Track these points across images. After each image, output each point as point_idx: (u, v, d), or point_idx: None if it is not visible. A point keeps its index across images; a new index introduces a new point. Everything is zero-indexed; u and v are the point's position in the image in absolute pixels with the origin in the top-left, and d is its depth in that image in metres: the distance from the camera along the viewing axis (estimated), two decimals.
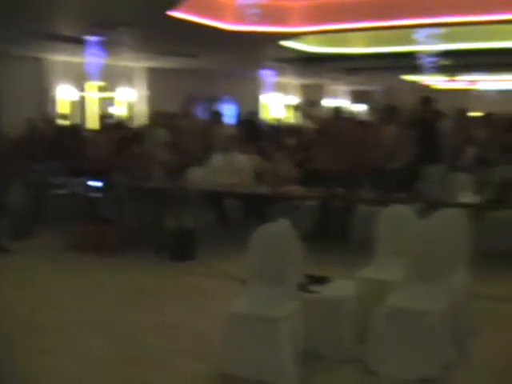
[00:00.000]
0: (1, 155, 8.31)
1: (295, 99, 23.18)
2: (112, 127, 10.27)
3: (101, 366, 4.47)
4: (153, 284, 6.58)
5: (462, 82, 21.64)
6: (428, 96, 9.22)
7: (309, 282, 4.64)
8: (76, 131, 10.78)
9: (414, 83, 22.32)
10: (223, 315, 4.29)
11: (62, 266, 7.35)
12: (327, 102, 23.28)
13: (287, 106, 22.56)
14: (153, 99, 17.44)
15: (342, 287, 4.69)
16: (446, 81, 20.33)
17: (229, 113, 17.76)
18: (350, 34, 13.63)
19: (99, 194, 8.32)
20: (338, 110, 9.12)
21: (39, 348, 4.80)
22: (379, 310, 4.25)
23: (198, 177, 8.66)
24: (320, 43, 14.65)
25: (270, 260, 4.42)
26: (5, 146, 8.71)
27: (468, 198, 7.12)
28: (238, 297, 4.48)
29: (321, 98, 23.62)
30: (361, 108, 23.99)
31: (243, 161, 8.76)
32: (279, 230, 4.44)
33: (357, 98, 26.34)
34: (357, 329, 4.51)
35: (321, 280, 4.74)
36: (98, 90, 15.28)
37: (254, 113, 16.98)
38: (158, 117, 10.52)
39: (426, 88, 22.66)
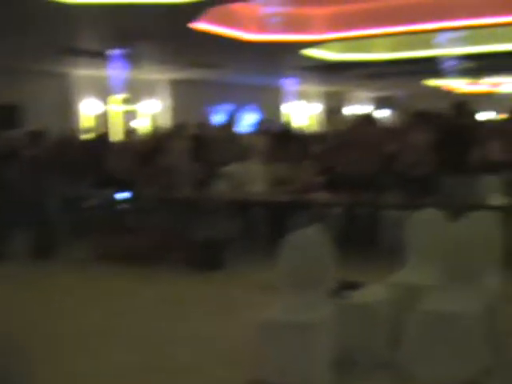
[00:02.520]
0: (39, 168, 8.47)
1: (318, 107, 23.22)
2: (138, 139, 10.40)
3: (130, 376, 4.52)
4: (182, 294, 6.64)
5: (485, 84, 21.51)
6: (464, 100, 9.15)
7: (341, 287, 4.66)
8: (103, 143, 10.91)
9: (436, 88, 22.27)
10: (255, 323, 4.32)
11: (90, 276, 7.47)
12: (350, 109, 23.29)
13: (310, 114, 22.61)
14: (176, 111, 17.63)
15: (374, 292, 4.70)
16: (468, 84, 20.24)
17: (252, 122, 17.85)
18: (372, 40, 13.68)
19: (127, 205, 8.43)
20: (367, 116, 9.16)
21: (66, 357, 4.90)
22: (413, 315, 4.26)
23: (223, 186, 8.74)
24: (342, 50, 14.71)
25: (303, 266, 4.45)
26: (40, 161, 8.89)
27: (497, 200, 7.09)
28: (271, 304, 4.52)
29: (344, 105, 23.65)
30: (384, 114, 23.94)
31: (258, 170, 8.82)
32: (312, 235, 4.48)
33: (380, 103, 26.30)
34: (391, 334, 4.52)
35: (353, 285, 4.75)
36: (122, 102, 15.48)
37: (276, 121, 17.04)
38: (182, 128, 10.61)
39: (449, 92, 22.58)
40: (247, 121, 15.01)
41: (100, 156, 9.72)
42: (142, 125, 16.84)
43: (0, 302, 6.37)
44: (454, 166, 7.75)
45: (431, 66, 15.38)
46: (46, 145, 10.04)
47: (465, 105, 8.70)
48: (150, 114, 17.52)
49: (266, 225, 8.50)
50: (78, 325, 5.70)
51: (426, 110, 9.08)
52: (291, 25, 11.94)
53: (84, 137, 13.42)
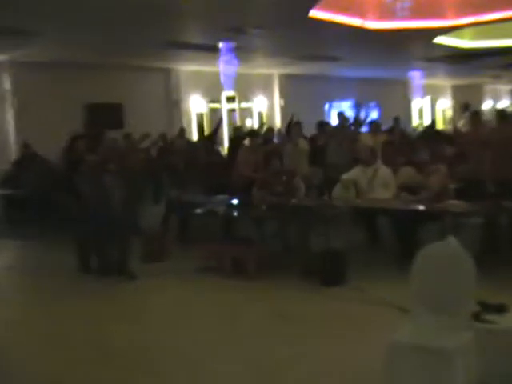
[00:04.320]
0: (130, 171, 8.76)
1: (447, 102, 22.73)
2: (255, 141, 10.53)
3: None
4: (298, 311, 6.67)
5: None
6: None
7: (483, 310, 4.55)
8: (213, 146, 11.20)
9: None
10: (380, 346, 4.31)
11: (195, 288, 7.64)
12: (486, 104, 22.62)
13: (440, 111, 22.18)
14: (288, 108, 17.77)
15: None
16: None
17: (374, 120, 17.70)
18: (510, 24, 13.21)
19: (240, 213, 8.59)
20: (502, 113, 8.87)
21: (169, 371, 5.11)
22: None
23: (344, 192, 8.73)
24: (476, 36, 14.30)
25: (439, 284, 4.38)
26: (137, 162, 9.20)
27: None
28: (400, 325, 4.47)
29: (478, 100, 23.00)
30: None
31: (386, 174, 8.72)
32: (449, 250, 4.41)
33: None
34: None
35: (498, 308, 4.62)
36: (227, 100, 15.77)
37: (402, 119, 16.85)
38: (299, 127, 10.71)
39: None
40: (368, 119, 14.87)
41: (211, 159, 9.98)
42: (252, 123, 17.09)
43: (120, 316, 6.72)
44: None
45: None
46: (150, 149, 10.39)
47: None
48: (262, 111, 17.75)
49: (393, 236, 8.41)
50: (179, 341, 5.88)
51: None
52: (418, 10, 11.73)
53: (193, 137, 13.82)
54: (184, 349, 5.67)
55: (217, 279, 7.89)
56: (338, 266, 7.46)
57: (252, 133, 11.17)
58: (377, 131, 11.22)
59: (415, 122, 21.25)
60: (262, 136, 11.34)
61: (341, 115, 12.38)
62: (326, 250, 7.56)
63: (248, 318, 6.48)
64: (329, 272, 7.42)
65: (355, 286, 7.19)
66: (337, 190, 8.83)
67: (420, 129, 18.94)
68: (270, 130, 12.21)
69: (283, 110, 18.04)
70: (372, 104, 19.74)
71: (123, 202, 8.26)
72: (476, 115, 9.68)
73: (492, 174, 7.94)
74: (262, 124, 16.76)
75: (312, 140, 11.62)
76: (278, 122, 17.55)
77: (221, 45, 12.37)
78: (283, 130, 12.67)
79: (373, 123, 11.88)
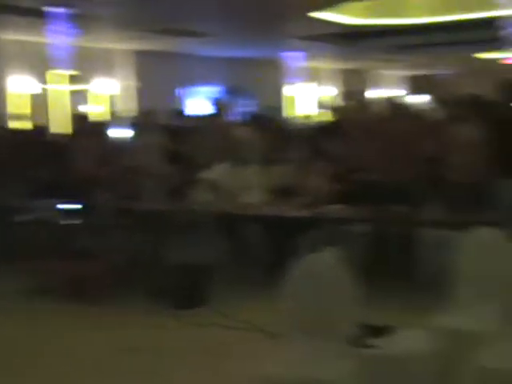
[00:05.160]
0: None
1: (332, 90, 23.30)
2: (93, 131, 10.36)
3: None
4: (150, 340, 6.61)
5: None
6: None
7: (366, 333, 4.66)
8: (41, 136, 10.92)
9: (495, 63, 22.26)
10: (251, 379, 4.33)
11: (17, 317, 7.42)
12: (375, 93, 23.37)
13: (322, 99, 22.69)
14: (143, 92, 17.61)
15: (411, 340, 4.69)
16: None
17: (244, 109, 17.92)
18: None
19: (76, 221, 8.43)
20: (391, 103, 9.19)
21: None
22: (467, 372, 4.27)
23: (206, 195, 8.78)
24: (365, 13, 14.71)
25: (315, 303, 4.46)
26: None
27: None
28: (271, 355, 4.52)
29: (366, 87, 23.72)
30: (420, 99, 24.01)
31: (252, 175, 8.86)
32: (326, 264, 4.50)
33: (416, 85, 26.40)
34: None
35: (382, 330, 4.75)
36: (69, 81, 15.45)
37: (277, 108, 17.14)
38: (150, 116, 10.64)
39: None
40: (237, 107, 15.02)
41: (38, 153, 9.74)
42: (95, 110, 16.83)
43: None
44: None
45: (487, 34, 15.35)
46: None
47: None
48: (107, 95, 17.52)
49: (264, 247, 8.52)
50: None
51: (477, 94, 9.05)
52: None
53: (14, 126, 13.41)
54: None
55: (47, 303, 7.72)
56: (196, 285, 7.49)
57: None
58: (257, 124, 11.34)
59: (295, 111, 21.63)
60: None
61: (218, 102, 12.40)
62: (183, 264, 7.58)
63: (87, 352, 6.35)
64: (185, 292, 7.42)
65: (217, 309, 7.23)
66: (197, 193, 8.85)
67: (300, 120, 19.30)
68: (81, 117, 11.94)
69: (138, 93, 17.88)
70: (246, 90, 19.91)
71: None
72: (366, 104, 9.96)
73: (383, 173, 8.18)
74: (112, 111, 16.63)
75: (172, 132, 11.58)
76: (131, 109, 17.33)
77: (52, 10, 12.04)
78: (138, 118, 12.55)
79: (255, 115, 12.00)
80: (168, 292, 7.50)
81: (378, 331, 4.75)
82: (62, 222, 8.60)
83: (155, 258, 7.81)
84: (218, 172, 8.94)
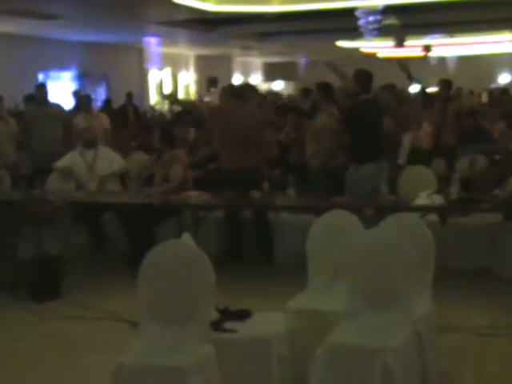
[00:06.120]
0: None
1: (190, 75, 23.30)
2: None
3: None
4: (4, 336, 6.43)
5: (415, 47, 22.28)
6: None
7: (223, 317, 4.71)
8: None
9: (353, 51, 22.80)
10: (106, 370, 4.32)
11: None
12: (234, 79, 23.54)
13: (183, 86, 22.67)
14: None
15: (267, 322, 4.78)
16: (393, 47, 20.90)
17: (98, 95, 17.74)
18: None
19: None
20: (252, 89, 9.28)
21: None
22: (319, 350, 4.37)
23: (58, 184, 8.68)
24: (226, 0, 14.78)
25: (171, 291, 4.45)
26: None
27: (428, 198, 7.35)
28: (128, 344, 4.50)
29: (227, 74, 23.84)
30: (279, 86, 24.37)
31: (105, 161, 8.82)
32: (182, 250, 4.50)
33: (273, 73, 26.71)
34: (291, 374, 4.62)
35: (239, 314, 4.82)
36: None
37: (133, 95, 17.01)
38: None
39: (368, 57, 23.23)
40: (92, 94, 14.82)
41: None
42: None
43: None
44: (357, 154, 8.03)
45: (345, 23, 15.73)
46: None
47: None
48: None
49: (121, 236, 8.45)
50: None
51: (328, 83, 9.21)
52: None
53: None
54: None
55: None
56: (52, 276, 7.34)
57: None
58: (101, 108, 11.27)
59: (153, 96, 21.53)
60: None
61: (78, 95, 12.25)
62: (37, 256, 7.43)
63: None
64: (41, 284, 7.28)
65: (75, 300, 7.12)
66: (52, 181, 8.70)
67: (161, 107, 19.26)
68: None
69: None
70: (99, 75, 19.64)
71: None
72: (223, 91, 9.97)
73: (236, 160, 8.26)
74: None
75: (16, 117, 11.35)
76: None
77: None
78: None
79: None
80: (23, 285, 7.33)
81: (237, 315, 4.81)
82: None
83: (8, 251, 7.60)
84: (69, 158, 8.84)
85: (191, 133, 11.07)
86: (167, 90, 21.95)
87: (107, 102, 16.62)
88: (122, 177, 9.21)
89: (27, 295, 7.25)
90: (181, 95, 22.24)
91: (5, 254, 7.62)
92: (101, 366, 5.07)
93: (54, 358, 5.87)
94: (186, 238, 4.70)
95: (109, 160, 8.89)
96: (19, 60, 17.25)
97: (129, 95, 16.41)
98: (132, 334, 5.12)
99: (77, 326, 6.55)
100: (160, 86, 21.89)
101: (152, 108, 19.29)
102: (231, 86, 9.84)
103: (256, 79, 24.31)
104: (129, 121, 14.73)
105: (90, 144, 8.94)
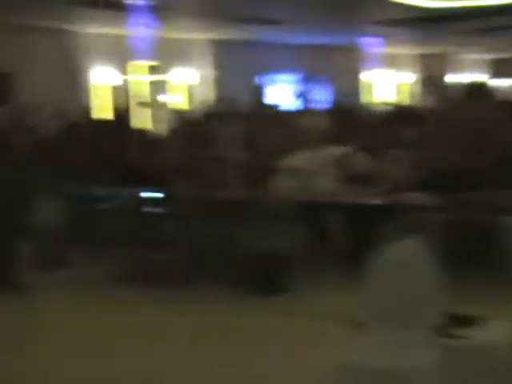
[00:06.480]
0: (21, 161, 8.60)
1: (411, 75, 23.05)
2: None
3: None
4: (231, 326, 6.68)
5: None
6: None
7: (452, 323, 4.64)
8: (123, 126, 11.08)
9: None
10: (329, 367, 4.38)
11: (105, 303, 7.56)
12: (456, 77, 23.02)
13: (401, 85, 22.49)
14: (221, 81, 17.69)
15: (496, 330, 4.67)
16: None
17: (320, 96, 17.89)
18: None
19: (158, 209, 8.55)
20: (472, 87, 9.06)
21: None
22: None
23: (284, 183, 8.81)
24: None
25: (398, 293, 4.45)
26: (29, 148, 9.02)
27: None
28: (351, 343, 4.53)
29: (446, 73, 23.38)
30: (504, 83, 23.52)
31: (329, 162, 8.86)
32: (412, 252, 4.49)
33: (499, 69, 25.88)
34: None
35: (468, 321, 4.72)
36: (149, 71, 15.62)
37: (353, 95, 17.06)
38: (230, 105, 10.74)
39: None
40: (315, 95, 15.03)
41: (121, 142, 9.89)
42: (175, 100, 16.99)
43: None
44: None
45: None
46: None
47: None
48: (186, 85, 17.66)
49: (343, 235, 8.51)
50: (109, 367, 5.81)
51: None
52: None
53: (97, 116, 13.63)
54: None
55: (131, 290, 7.86)
56: (278, 272, 7.54)
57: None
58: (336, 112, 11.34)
59: (373, 98, 21.48)
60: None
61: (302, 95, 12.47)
62: (264, 252, 7.63)
63: (170, 338, 6.44)
64: (268, 279, 7.49)
65: (300, 296, 7.28)
66: (280, 180, 8.87)
67: (378, 107, 19.16)
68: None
69: (216, 83, 17.96)
70: (321, 77, 19.85)
71: (7, 195, 8.10)
72: (447, 90, 9.84)
73: (463, 162, 8.09)
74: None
75: (250, 120, 11.67)
76: (209, 98, 17.45)
77: (132, 2, 12.23)
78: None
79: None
80: (250, 279, 7.57)
81: (464, 321, 4.72)
82: (144, 210, 8.75)
83: (236, 246, 7.85)
84: (298, 159, 8.97)
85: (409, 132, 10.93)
86: (386, 91, 21.86)
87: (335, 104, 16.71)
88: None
89: (254, 289, 7.47)
90: (399, 97, 22.05)
91: (233, 250, 7.87)
92: (321, 363, 5.15)
93: (278, 347, 6.03)
94: (413, 239, 4.67)
95: (333, 167, 8.90)
96: (245, 64, 17.74)
97: (348, 95, 16.44)
98: (353, 333, 5.17)
99: (299, 322, 6.68)
100: (376, 87, 21.83)
101: (372, 108, 19.22)
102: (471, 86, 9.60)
103: (479, 77, 23.60)
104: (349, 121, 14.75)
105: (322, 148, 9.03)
